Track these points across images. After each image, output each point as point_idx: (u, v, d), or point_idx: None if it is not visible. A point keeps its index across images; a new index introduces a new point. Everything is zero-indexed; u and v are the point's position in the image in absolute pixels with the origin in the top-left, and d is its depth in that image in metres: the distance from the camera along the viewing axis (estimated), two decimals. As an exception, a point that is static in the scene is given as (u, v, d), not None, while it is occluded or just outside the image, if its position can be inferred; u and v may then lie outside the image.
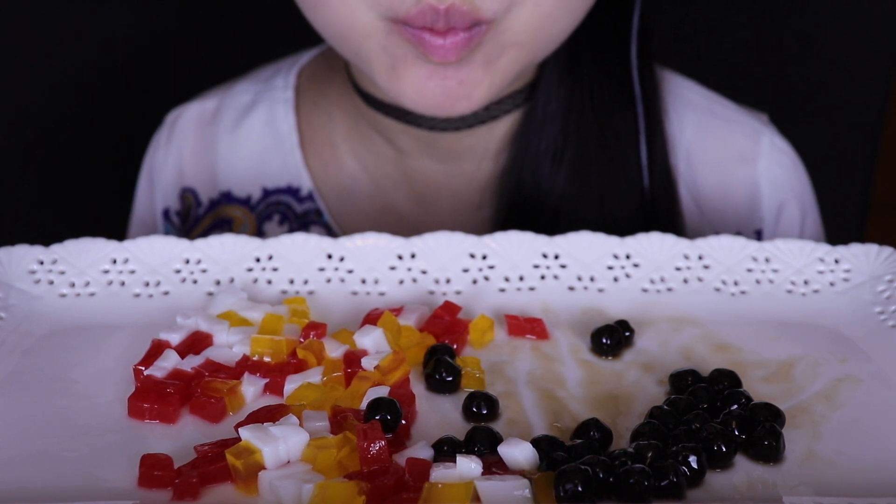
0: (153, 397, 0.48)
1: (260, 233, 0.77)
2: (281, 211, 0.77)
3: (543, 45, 0.65)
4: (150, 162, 0.84)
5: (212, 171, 0.80)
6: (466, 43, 0.60)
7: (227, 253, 0.60)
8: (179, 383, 0.49)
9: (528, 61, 0.65)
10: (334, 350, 0.51)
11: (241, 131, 0.80)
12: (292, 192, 0.78)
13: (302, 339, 0.52)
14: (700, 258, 0.60)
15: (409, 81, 0.62)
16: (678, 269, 0.60)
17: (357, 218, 0.77)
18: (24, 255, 0.59)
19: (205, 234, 0.79)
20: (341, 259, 0.60)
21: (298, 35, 0.76)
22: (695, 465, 0.44)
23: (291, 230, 0.77)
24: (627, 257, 0.61)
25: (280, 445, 0.43)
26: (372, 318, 0.54)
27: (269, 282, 0.60)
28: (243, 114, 0.81)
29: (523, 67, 0.65)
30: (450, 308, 0.56)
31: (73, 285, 0.59)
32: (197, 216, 0.80)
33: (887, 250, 0.60)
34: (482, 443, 0.45)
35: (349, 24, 0.62)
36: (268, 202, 0.78)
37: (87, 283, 0.59)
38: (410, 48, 0.61)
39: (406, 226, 0.74)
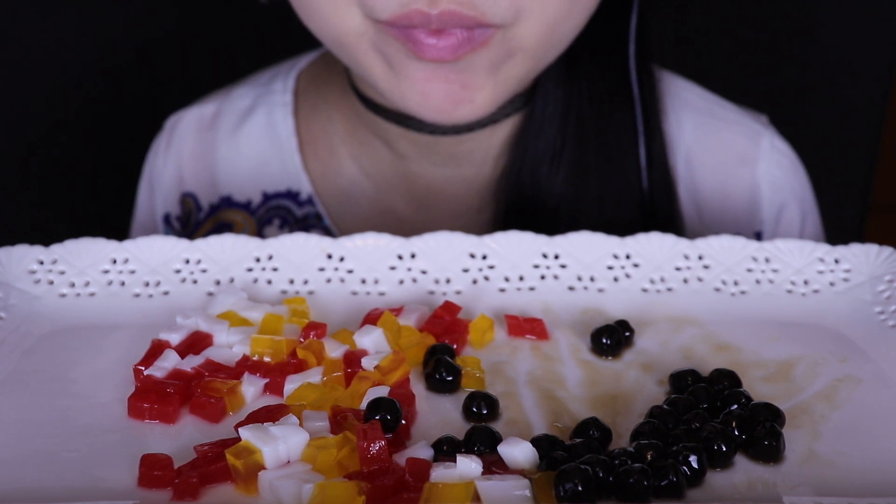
0: (153, 397, 0.48)
1: (260, 237, 0.77)
2: (281, 215, 0.77)
3: (548, 52, 0.65)
4: (150, 167, 0.84)
5: (212, 175, 0.80)
6: (465, 43, 0.60)
7: (227, 253, 0.60)
8: (179, 383, 0.49)
9: (531, 67, 0.65)
10: (334, 350, 0.51)
11: (240, 136, 0.80)
12: (292, 196, 0.78)
13: (302, 339, 0.52)
14: (700, 258, 0.60)
15: (410, 83, 0.62)
16: (678, 269, 0.60)
17: (357, 222, 0.76)
18: (24, 255, 0.59)
19: (205, 238, 0.78)
20: (341, 259, 0.60)
21: (298, 39, 0.76)
22: (695, 465, 0.44)
23: (291, 234, 0.77)
24: (627, 257, 0.60)
25: (280, 445, 0.43)
26: (372, 318, 0.54)
27: (269, 282, 0.60)
28: (242, 118, 0.80)
29: (527, 74, 0.65)
30: (450, 308, 0.56)
31: (73, 285, 0.59)
32: (197, 221, 0.80)
33: (887, 250, 0.60)
34: (482, 442, 0.45)
35: (341, 27, 0.62)
36: (268, 206, 0.78)
37: (87, 283, 0.59)
38: (400, 46, 0.61)
39: (406, 229, 0.73)
